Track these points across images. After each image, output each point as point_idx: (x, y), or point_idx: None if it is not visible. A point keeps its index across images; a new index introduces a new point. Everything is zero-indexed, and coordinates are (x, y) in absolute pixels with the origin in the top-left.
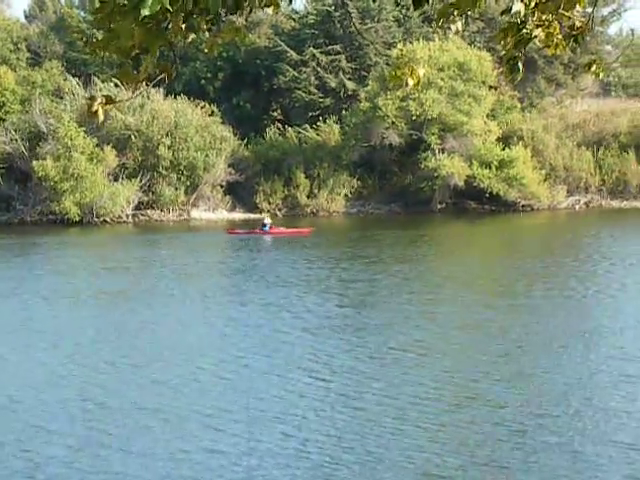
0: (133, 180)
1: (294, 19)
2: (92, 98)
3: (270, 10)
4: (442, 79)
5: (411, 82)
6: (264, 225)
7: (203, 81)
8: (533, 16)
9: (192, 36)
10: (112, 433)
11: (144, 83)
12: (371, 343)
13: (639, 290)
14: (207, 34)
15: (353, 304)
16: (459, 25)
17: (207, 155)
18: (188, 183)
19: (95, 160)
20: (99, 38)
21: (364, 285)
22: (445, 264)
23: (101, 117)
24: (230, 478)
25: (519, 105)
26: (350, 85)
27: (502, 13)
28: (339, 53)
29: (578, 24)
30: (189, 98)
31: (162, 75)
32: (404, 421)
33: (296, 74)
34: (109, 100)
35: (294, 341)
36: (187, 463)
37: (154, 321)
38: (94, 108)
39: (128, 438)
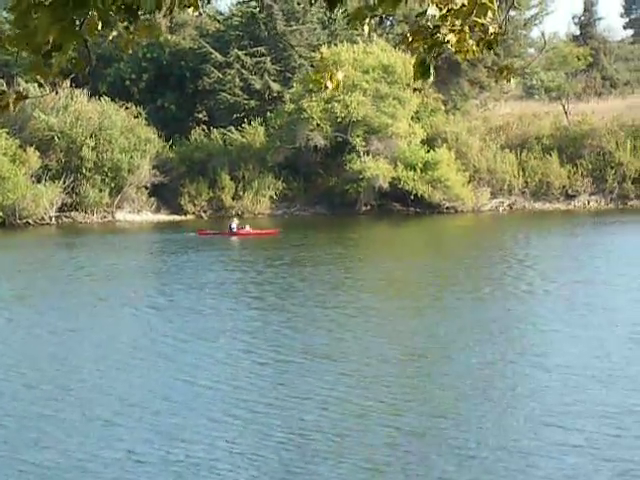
0: (56, 182)
1: (219, 21)
2: (3, 93)
3: (190, 11)
4: (367, 81)
5: (330, 85)
6: (231, 227)
7: (127, 82)
8: (446, 21)
9: (113, 34)
10: None
11: (67, 83)
12: (273, 347)
13: (549, 292)
14: (124, 32)
15: (264, 308)
16: (366, 28)
17: (132, 157)
18: (112, 185)
19: (17, 161)
20: (13, 34)
21: (280, 288)
22: (365, 266)
23: (11, 108)
24: None
25: (443, 108)
26: (275, 87)
27: (417, 16)
28: (264, 55)
29: (492, 30)
30: (113, 99)
31: (76, 71)
32: (304, 425)
33: (221, 76)
34: (20, 96)
35: (191, 347)
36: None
37: (60, 324)
38: (3, 103)
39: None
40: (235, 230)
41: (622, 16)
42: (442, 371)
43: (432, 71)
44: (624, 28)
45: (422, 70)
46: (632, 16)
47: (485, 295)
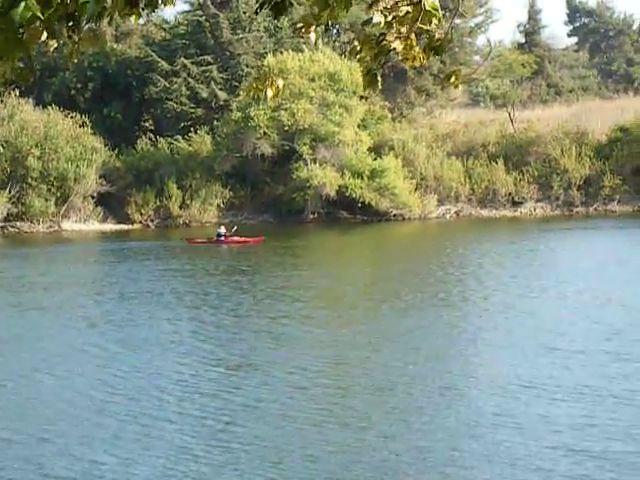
0: (2, 191)
1: (165, 29)
2: None
3: (132, 19)
4: (313, 89)
5: (270, 93)
6: (219, 235)
7: (73, 91)
8: (392, 28)
9: (54, 44)
10: None
11: (13, 93)
12: (201, 357)
13: (487, 299)
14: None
15: (199, 317)
16: (313, 36)
17: (78, 166)
18: (59, 194)
19: None
20: None
21: (217, 297)
22: (307, 275)
23: None
24: None
25: (390, 115)
26: (222, 95)
27: (363, 24)
28: (210, 63)
29: (437, 36)
30: (59, 108)
31: (20, 81)
32: (227, 437)
33: (167, 84)
34: None
35: (122, 357)
36: None
37: None
38: None
39: None
40: (223, 238)
41: (566, 24)
42: (368, 381)
43: (379, 79)
44: (568, 36)
45: (370, 78)
46: (576, 24)
47: (422, 303)
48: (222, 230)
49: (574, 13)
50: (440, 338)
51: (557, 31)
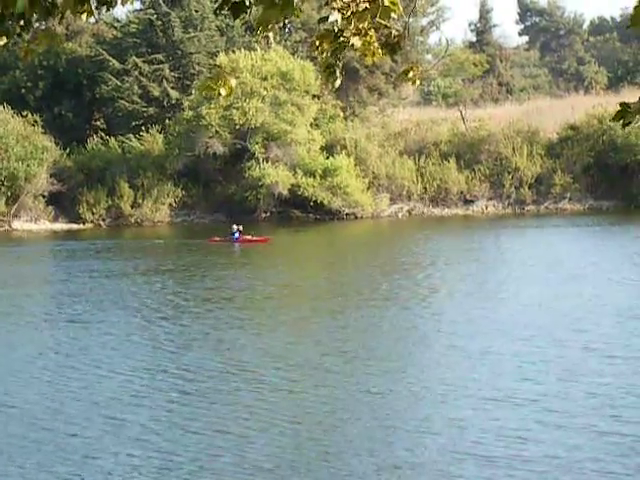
0: None
1: (116, 28)
2: None
3: (84, 17)
4: (265, 88)
5: (223, 92)
6: (233, 233)
7: (23, 90)
8: (350, 24)
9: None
10: None
11: None
12: (140, 361)
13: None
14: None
15: (136, 317)
16: (271, 35)
17: (28, 165)
18: (9, 194)
19: None
20: None
21: (163, 297)
22: (254, 274)
23: None
24: None
25: (342, 114)
26: (174, 94)
27: (319, 21)
28: (162, 62)
29: (395, 33)
30: (9, 107)
31: None
32: (170, 447)
33: (119, 83)
34: None
35: (65, 360)
36: None
37: None
38: None
39: None
40: (237, 237)
41: (517, 23)
42: (312, 381)
43: (338, 74)
44: (519, 35)
45: (329, 73)
46: (527, 23)
47: (368, 302)
48: (235, 229)
49: (525, 12)
50: (381, 337)
51: (508, 30)
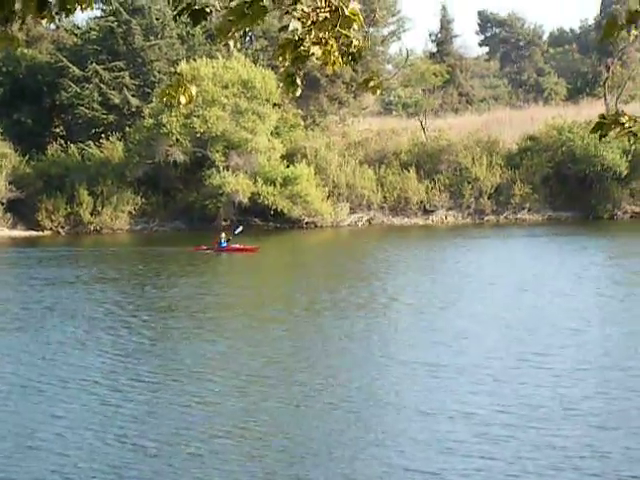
0: None
1: (76, 35)
2: None
3: (44, 22)
4: (226, 97)
5: (183, 100)
6: (220, 242)
7: None
8: (310, 34)
9: None
10: None
11: None
12: (82, 370)
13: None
14: None
15: (80, 325)
16: (232, 43)
17: None
18: None
19: None
20: None
21: (108, 305)
22: (209, 283)
23: None
24: None
25: (302, 123)
26: (134, 102)
27: (280, 30)
28: (122, 70)
29: (356, 42)
30: None
31: None
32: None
33: (79, 90)
34: None
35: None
36: None
37: None
38: None
39: None
40: (225, 246)
41: (477, 33)
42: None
43: (299, 83)
44: (479, 45)
45: (290, 83)
46: (487, 34)
47: (323, 311)
48: (224, 237)
49: (485, 23)
50: (324, 347)
51: (469, 40)
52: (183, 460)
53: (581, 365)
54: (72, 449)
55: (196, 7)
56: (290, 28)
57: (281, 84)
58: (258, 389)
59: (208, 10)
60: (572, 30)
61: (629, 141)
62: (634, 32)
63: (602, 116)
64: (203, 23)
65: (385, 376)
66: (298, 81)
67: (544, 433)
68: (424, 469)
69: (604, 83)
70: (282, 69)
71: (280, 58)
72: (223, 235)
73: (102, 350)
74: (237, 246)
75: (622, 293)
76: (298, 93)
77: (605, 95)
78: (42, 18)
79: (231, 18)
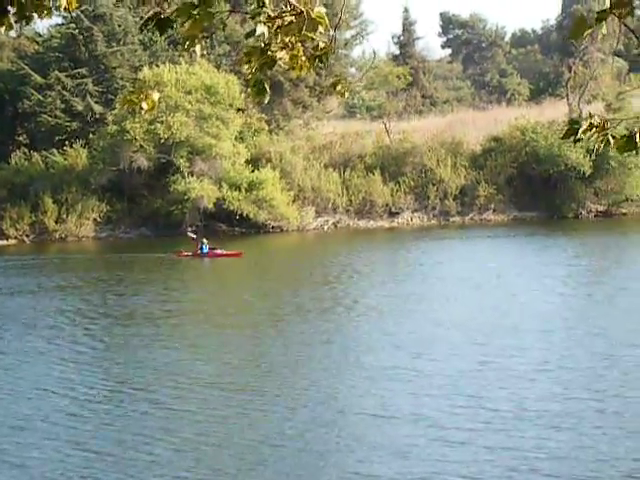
0: None
1: (38, 42)
2: None
3: (2, 30)
4: (190, 102)
5: (145, 106)
6: (202, 248)
7: None
8: (277, 38)
9: None
10: None
11: None
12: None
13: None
14: None
15: (37, 334)
16: (198, 49)
17: None
18: None
19: None
20: None
21: (67, 314)
22: (174, 290)
23: None
24: None
25: (267, 127)
26: (97, 108)
27: (246, 36)
28: (85, 76)
29: (321, 45)
30: None
31: None
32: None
33: (41, 98)
34: None
35: None
36: None
37: None
38: None
39: None
40: (207, 251)
41: (440, 35)
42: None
43: (268, 89)
44: (442, 47)
45: (258, 89)
46: (449, 35)
47: (278, 317)
48: (205, 242)
49: (448, 25)
50: (280, 351)
51: (431, 42)
52: (141, 468)
53: (539, 366)
54: (31, 459)
55: (162, 17)
56: (257, 33)
57: (246, 89)
58: (216, 395)
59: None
60: (534, 31)
61: (603, 145)
62: (602, 31)
63: (573, 121)
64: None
65: (344, 380)
66: (266, 87)
67: (501, 435)
68: (381, 473)
69: (566, 83)
70: (249, 76)
71: (246, 65)
72: (205, 240)
73: (60, 358)
74: (220, 252)
75: (583, 293)
76: (267, 100)
77: (567, 95)
78: (1, 26)
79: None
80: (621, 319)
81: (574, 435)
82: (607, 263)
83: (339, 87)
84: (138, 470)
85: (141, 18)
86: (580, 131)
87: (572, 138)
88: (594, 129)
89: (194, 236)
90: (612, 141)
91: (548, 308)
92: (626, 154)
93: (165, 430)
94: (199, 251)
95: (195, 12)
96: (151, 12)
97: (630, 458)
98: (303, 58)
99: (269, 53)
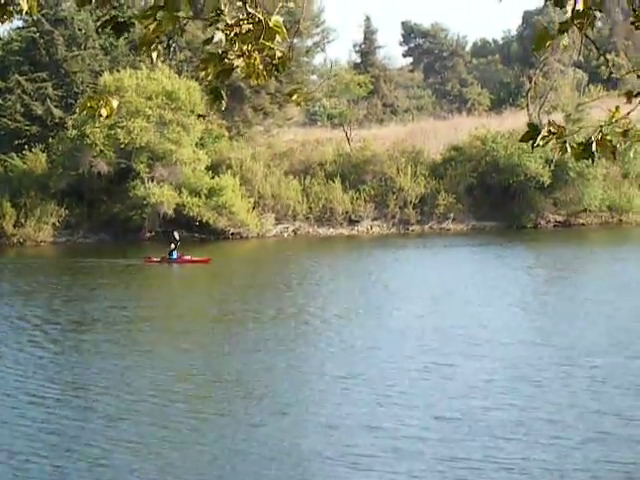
0: None
1: None
2: None
3: None
4: (150, 108)
5: (104, 113)
6: (171, 253)
7: None
8: (234, 46)
9: None
10: None
11: None
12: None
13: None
14: None
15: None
16: (155, 55)
17: None
18: None
19: None
20: None
21: (20, 320)
22: (124, 296)
23: None
24: None
25: (227, 134)
26: (57, 113)
27: (204, 43)
28: (45, 80)
29: (279, 54)
30: None
31: None
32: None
33: (1, 101)
34: None
35: None
36: None
37: None
38: None
39: None
40: (176, 257)
41: (401, 44)
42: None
43: (224, 97)
44: (403, 56)
45: (215, 95)
46: (411, 44)
47: (233, 324)
48: (174, 248)
49: (409, 34)
50: (243, 359)
51: (392, 51)
52: (84, 476)
53: (492, 376)
54: None
55: (119, 20)
56: (215, 39)
57: (205, 96)
58: (164, 403)
59: (131, 22)
60: (495, 41)
61: (561, 154)
62: (564, 42)
63: (533, 125)
64: (126, 35)
65: (294, 389)
66: (223, 95)
67: (451, 446)
68: None
69: (526, 94)
70: (206, 83)
71: (203, 73)
72: (172, 246)
73: (5, 366)
74: (189, 257)
75: (538, 303)
76: (223, 107)
77: (528, 105)
78: None
79: (143, 23)
80: (576, 330)
81: (525, 446)
82: (563, 273)
83: (295, 96)
84: (79, 478)
85: (98, 19)
86: (539, 138)
87: (530, 143)
88: (552, 136)
89: (178, 238)
90: (569, 149)
91: (502, 318)
92: (585, 165)
93: (117, 436)
94: (168, 257)
95: (160, 15)
96: (107, 15)
97: (580, 469)
98: (260, 67)
99: (226, 61)
